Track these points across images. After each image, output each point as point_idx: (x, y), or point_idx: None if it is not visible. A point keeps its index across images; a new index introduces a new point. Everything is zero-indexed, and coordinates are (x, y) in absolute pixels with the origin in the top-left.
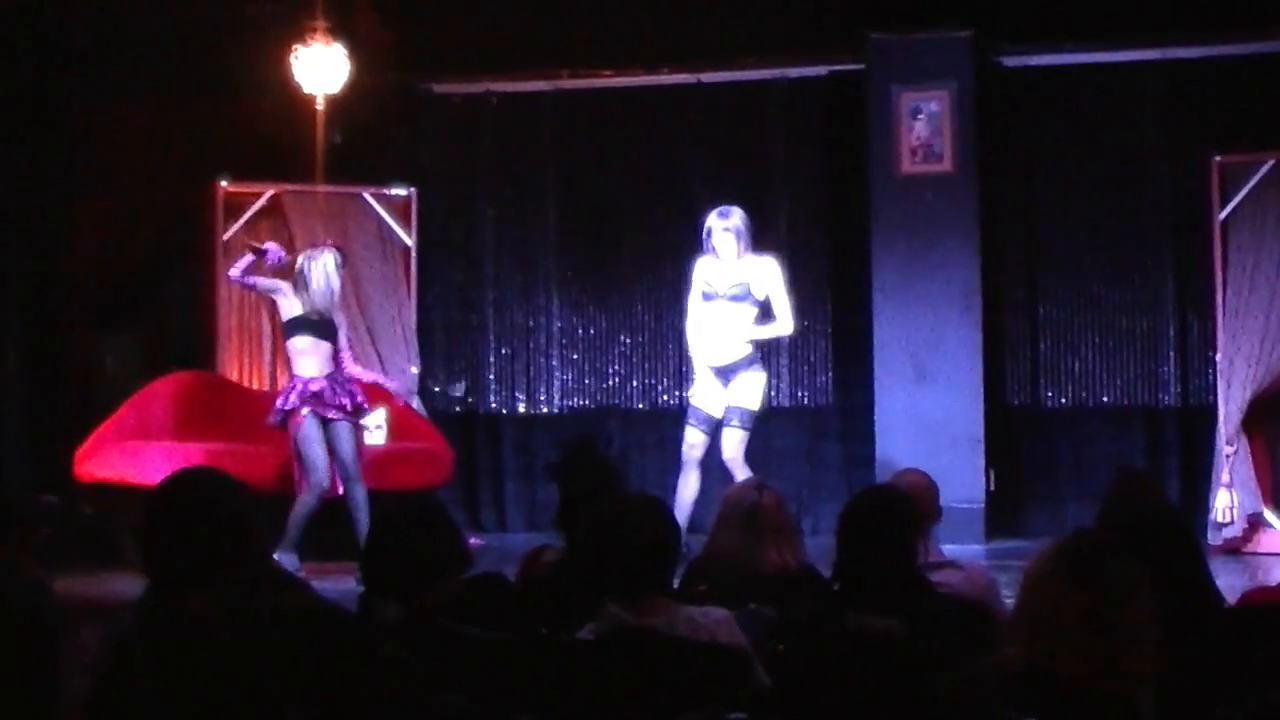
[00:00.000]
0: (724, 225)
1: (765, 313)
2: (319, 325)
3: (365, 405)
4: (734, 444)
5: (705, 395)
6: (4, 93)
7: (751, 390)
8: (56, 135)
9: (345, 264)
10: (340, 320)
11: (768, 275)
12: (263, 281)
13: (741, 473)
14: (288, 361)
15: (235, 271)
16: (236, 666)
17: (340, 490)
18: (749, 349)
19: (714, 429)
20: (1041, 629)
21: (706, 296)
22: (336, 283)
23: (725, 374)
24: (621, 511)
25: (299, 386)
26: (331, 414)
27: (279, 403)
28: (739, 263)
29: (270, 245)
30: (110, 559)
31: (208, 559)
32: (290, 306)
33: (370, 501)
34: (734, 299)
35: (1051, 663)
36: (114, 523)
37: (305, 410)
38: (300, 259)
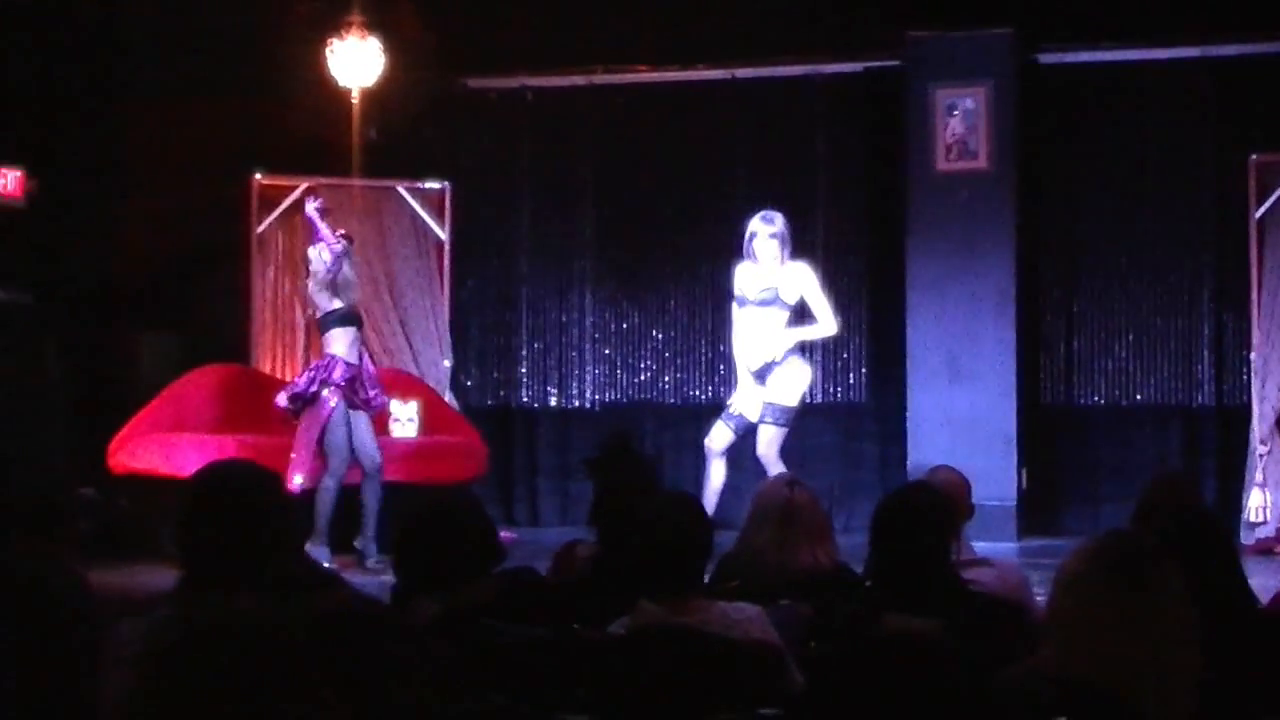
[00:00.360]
0: (769, 231)
1: (799, 317)
2: (355, 318)
3: (384, 402)
4: (767, 440)
5: (742, 398)
6: (40, 90)
7: (789, 386)
8: (92, 131)
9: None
10: None
11: (801, 280)
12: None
13: (775, 468)
14: (321, 354)
15: (337, 246)
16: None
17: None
18: (783, 346)
19: (744, 430)
20: (1076, 631)
21: (740, 302)
22: (350, 271)
23: (761, 375)
24: (656, 508)
25: (340, 366)
26: (356, 403)
27: (312, 373)
28: (771, 268)
29: (307, 207)
30: (144, 551)
31: (241, 551)
32: (324, 299)
33: (404, 495)
34: (763, 304)
35: (1086, 665)
36: (148, 514)
37: (335, 396)
38: (311, 252)
